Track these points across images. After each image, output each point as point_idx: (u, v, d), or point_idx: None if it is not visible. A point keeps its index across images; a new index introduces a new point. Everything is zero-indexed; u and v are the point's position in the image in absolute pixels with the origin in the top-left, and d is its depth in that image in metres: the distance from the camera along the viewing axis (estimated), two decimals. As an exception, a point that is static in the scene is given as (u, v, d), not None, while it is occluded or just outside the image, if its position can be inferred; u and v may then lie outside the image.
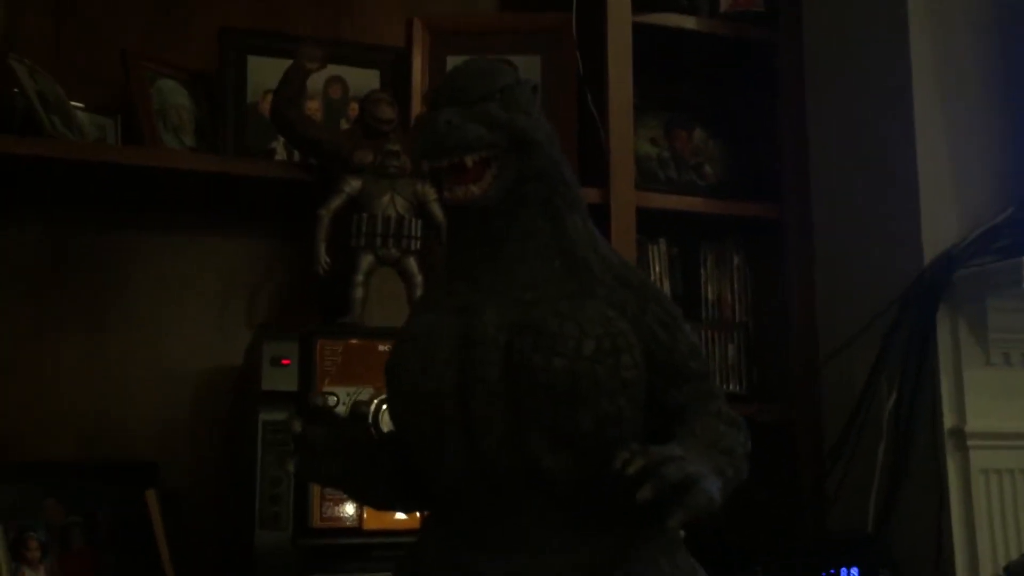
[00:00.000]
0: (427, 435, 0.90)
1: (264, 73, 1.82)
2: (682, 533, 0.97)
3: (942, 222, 1.72)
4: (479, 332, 0.88)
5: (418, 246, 1.63)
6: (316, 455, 0.94)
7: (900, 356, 1.71)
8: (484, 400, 0.87)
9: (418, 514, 1.31)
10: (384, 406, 1.40)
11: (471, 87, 0.92)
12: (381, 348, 1.48)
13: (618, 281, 0.93)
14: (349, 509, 1.46)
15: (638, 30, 1.90)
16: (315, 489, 1.46)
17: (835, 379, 1.88)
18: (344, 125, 1.85)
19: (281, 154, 1.79)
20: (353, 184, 1.62)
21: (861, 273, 1.85)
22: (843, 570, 1.64)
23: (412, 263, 1.63)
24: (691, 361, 0.92)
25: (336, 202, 1.60)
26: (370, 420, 1.39)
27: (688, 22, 2.00)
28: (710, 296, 2.06)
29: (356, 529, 1.46)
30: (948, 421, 1.65)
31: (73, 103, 1.73)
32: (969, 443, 1.64)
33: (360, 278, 1.60)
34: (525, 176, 0.92)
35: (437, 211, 1.64)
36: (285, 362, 1.47)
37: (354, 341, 1.50)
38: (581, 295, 0.91)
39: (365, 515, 1.47)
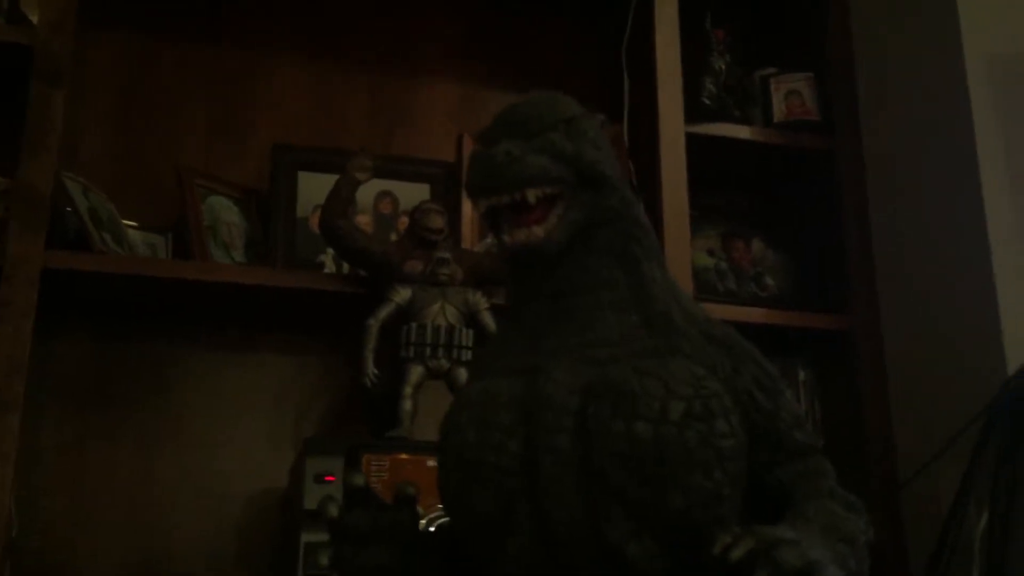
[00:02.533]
0: (487, 517, 0.78)
1: (315, 189, 1.81)
2: None
3: (1024, 326, 1.62)
4: (547, 395, 0.76)
5: (469, 357, 1.57)
6: (355, 544, 0.81)
7: (989, 474, 1.58)
8: (554, 475, 0.74)
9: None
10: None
11: (532, 118, 0.82)
12: (430, 463, 1.40)
13: (706, 337, 0.81)
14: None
15: (692, 140, 1.88)
16: (360, 616, 1.36)
17: (919, 502, 1.75)
18: (394, 239, 1.83)
19: (330, 267, 1.77)
20: (403, 294, 1.58)
21: (939, 384, 1.74)
22: None
23: (463, 374, 1.56)
24: (797, 432, 0.80)
25: (385, 311, 1.56)
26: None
27: (742, 132, 1.97)
28: (777, 413, 1.96)
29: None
30: (1047, 544, 1.51)
31: (126, 221, 1.73)
32: (1072, 569, 1.49)
33: (409, 390, 1.54)
34: (595, 217, 0.82)
35: (488, 320, 1.59)
36: (329, 479, 1.41)
37: (402, 456, 1.43)
38: (665, 352, 0.79)
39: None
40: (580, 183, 0.82)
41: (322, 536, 1.32)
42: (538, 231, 0.80)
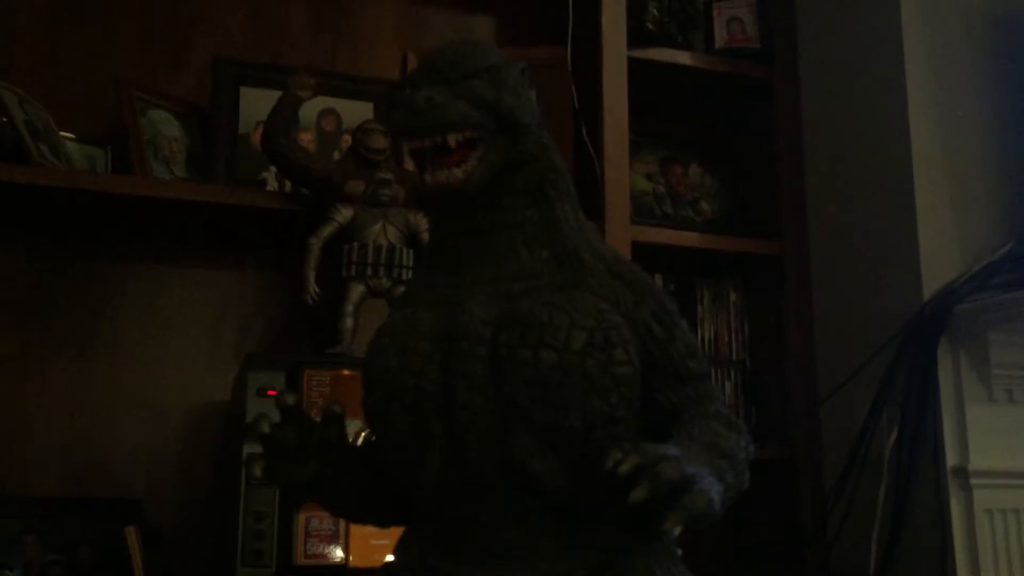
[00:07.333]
0: (406, 436, 0.84)
1: (257, 104, 1.80)
2: (679, 551, 0.90)
3: (942, 257, 1.70)
4: (462, 325, 0.83)
5: (409, 276, 1.61)
6: (286, 458, 0.86)
7: (901, 393, 1.68)
8: (468, 397, 0.81)
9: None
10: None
11: (455, 65, 0.86)
12: (370, 379, 1.45)
13: (611, 273, 0.88)
14: (335, 547, 1.42)
15: (634, 65, 1.90)
16: (299, 526, 1.42)
17: (835, 417, 1.85)
18: (337, 157, 1.83)
19: (272, 184, 1.77)
20: (344, 213, 1.60)
21: (860, 309, 1.82)
22: (845, 613, 1.59)
23: (403, 293, 1.60)
24: (689, 360, 0.87)
25: (327, 231, 1.58)
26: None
27: (683, 57, 1.99)
28: (707, 333, 2.03)
29: (341, 567, 1.41)
30: (951, 459, 1.61)
31: (63, 133, 1.71)
32: (972, 482, 1.60)
33: (350, 308, 1.58)
34: (512, 161, 0.87)
35: (429, 241, 1.61)
36: (271, 393, 1.44)
37: (343, 372, 1.47)
38: (571, 286, 0.85)
39: (351, 554, 1.43)
40: (499, 128, 0.86)
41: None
42: (457, 172, 0.84)
